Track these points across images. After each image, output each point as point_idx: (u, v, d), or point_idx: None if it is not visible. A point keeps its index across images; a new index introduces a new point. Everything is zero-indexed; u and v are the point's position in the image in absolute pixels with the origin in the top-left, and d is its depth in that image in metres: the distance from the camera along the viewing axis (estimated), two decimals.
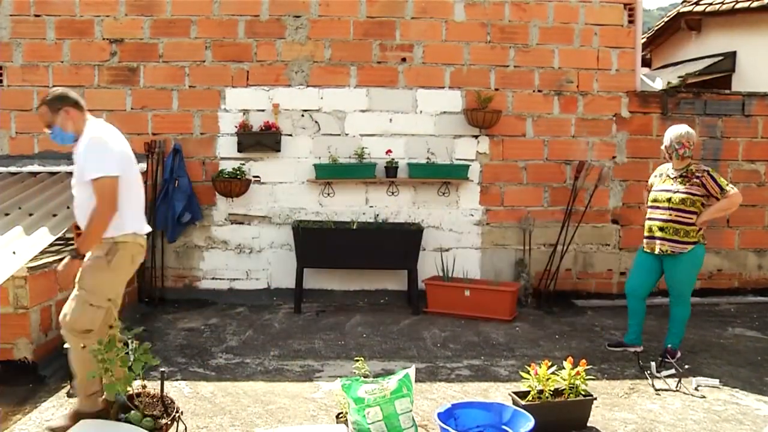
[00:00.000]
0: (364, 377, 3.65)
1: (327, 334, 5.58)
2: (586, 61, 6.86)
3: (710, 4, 9.14)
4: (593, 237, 6.97)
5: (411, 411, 3.38)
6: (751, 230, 7.13)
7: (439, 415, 3.33)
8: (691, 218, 4.80)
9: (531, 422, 3.26)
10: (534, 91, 6.85)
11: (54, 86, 6.56)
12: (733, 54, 9.01)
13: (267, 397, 4.14)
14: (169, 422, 3.22)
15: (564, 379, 3.73)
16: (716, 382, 4.45)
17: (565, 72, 6.86)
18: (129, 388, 3.26)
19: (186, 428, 3.31)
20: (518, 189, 6.90)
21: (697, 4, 9.36)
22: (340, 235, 6.35)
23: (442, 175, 6.72)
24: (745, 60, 8.91)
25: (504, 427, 3.39)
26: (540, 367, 3.71)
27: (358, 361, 3.85)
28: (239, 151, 6.62)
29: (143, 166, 6.49)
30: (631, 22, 6.89)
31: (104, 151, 3.40)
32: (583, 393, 3.76)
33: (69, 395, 4.08)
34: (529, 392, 3.68)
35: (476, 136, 6.81)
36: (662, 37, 10.74)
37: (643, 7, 7.01)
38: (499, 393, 4.26)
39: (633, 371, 4.71)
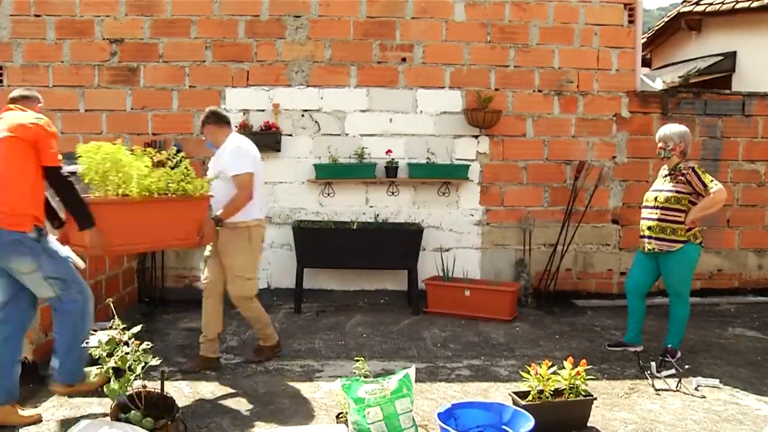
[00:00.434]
0: (365, 377, 3.65)
1: (327, 334, 5.58)
2: (586, 61, 6.87)
3: (710, 4, 9.15)
4: (593, 237, 6.97)
5: (411, 411, 3.38)
6: (752, 230, 7.13)
7: (440, 415, 3.33)
8: (679, 216, 4.78)
9: (531, 422, 3.26)
10: (534, 91, 6.86)
11: (54, 86, 6.60)
12: (734, 54, 9.02)
13: (267, 397, 4.14)
14: (169, 422, 3.22)
15: (564, 379, 3.73)
16: (716, 382, 4.45)
17: (565, 72, 6.86)
18: (129, 388, 3.27)
19: (186, 428, 3.31)
20: (518, 189, 6.90)
21: (697, 4, 9.37)
22: (340, 235, 6.35)
23: (442, 175, 6.72)
24: (746, 60, 8.91)
25: (504, 427, 3.39)
26: (540, 367, 3.71)
27: (358, 361, 3.84)
28: None
29: None
30: (631, 22, 6.89)
31: (244, 155, 4.52)
32: (583, 393, 3.76)
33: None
34: (529, 392, 3.68)
35: (476, 136, 6.82)
36: (662, 37, 10.74)
37: (643, 7, 7.01)
38: (499, 393, 4.26)
39: (633, 371, 4.71)
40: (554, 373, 3.73)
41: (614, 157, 6.94)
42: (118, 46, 6.62)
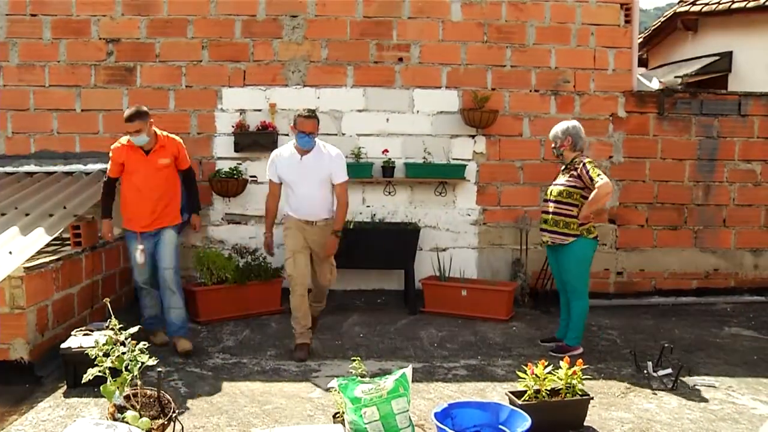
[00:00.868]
0: (361, 377, 3.65)
1: (324, 334, 5.57)
2: (582, 61, 6.87)
3: (707, 4, 9.17)
4: None
5: (408, 411, 3.38)
6: (748, 230, 7.14)
7: (436, 414, 3.33)
8: (572, 210, 4.88)
9: (528, 422, 3.27)
10: (531, 90, 6.86)
11: (50, 86, 6.58)
12: (730, 54, 9.04)
13: (264, 397, 4.14)
14: (165, 422, 3.22)
15: (560, 379, 3.73)
16: (713, 381, 4.47)
17: (561, 72, 6.87)
18: (126, 388, 3.26)
19: (183, 428, 3.30)
20: (515, 189, 6.90)
21: (693, 4, 9.39)
22: None
23: (439, 175, 6.72)
24: (742, 60, 8.94)
25: (501, 426, 3.39)
26: (536, 367, 3.71)
27: (354, 360, 3.84)
28: (236, 151, 6.61)
29: None
30: (627, 22, 6.90)
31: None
32: (579, 392, 3.76)
33: (65, 395, 4.08)
34: (525, 392, 3.68)
35: (473, 136, 6.82)
36: (659, 37, 10.76)
37: (639, 6, 7.02)
38: (496, 393, 4.27)
39: (629, 371, 4.71)
40: (550, 373, 3.73)
41: (611, 157, 6.95)
42: (114, 45, 6.61)
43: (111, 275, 5.86)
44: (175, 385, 4.33)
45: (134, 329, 3.37)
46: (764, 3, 8.36)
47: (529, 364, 3.80)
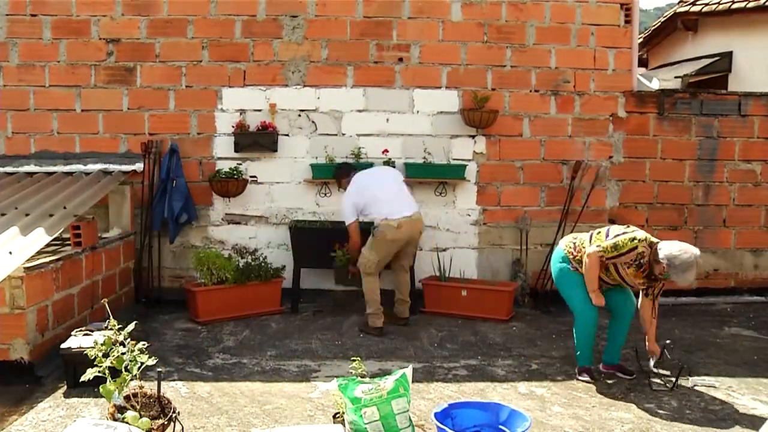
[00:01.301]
0: (361, 377, 3.65)
1: (324, 334, 5.57)
2: (582, 61, 6.87)
3: (707, 4, 9.16)
4: None
5: (408, 411, 3.38)
6: (748, 230, 7.14)
7: (436, 414, 3.33)
8: None
9: (528, 422, 3.26)
10: (531, 91, 6.86)
11: (50, 86, 6.58)
12: (730, 54, 9.04)
13: (264, 398, 4.14)
14: (165, 422, 3.22)
15: None
16: (713, 381, 4.46)
17: (561, 72, 6.86)
18: (125, 388, 3.26)
19: (183, 428, 3.30)
20: (515, 189, 6.90)
21: (693, 4, 9.38)
22: (337, 235, 6.34)
23: (439, 175, 6.72)
24: (742, 60, 8.94)
25: (501, 426, 3.39)
26: None
27: (354, 361, 3.84)
28: (236, 151, 6.61)
29: (140, 166, 6.49)
30: (627, 22, 6.90)
31: (345, 202, 5.85)
32: None
33: (65, 396, 4.07)
34: None
35: (473, 136, 6.82)
36: (659, 37, 10.76)
37: (639, 6, 7.02)
38: (496, 393, 4.27)
39: (630, 371, 4.71)
40: None
41: (611, 157, 6.95)
42: (114, 45, 6.61)
43: (111, 275, 5.86)
44: (176, 385, 4.33)
45: (131, 326, 3.37)
46: (764, 3, 8.36)
47: None
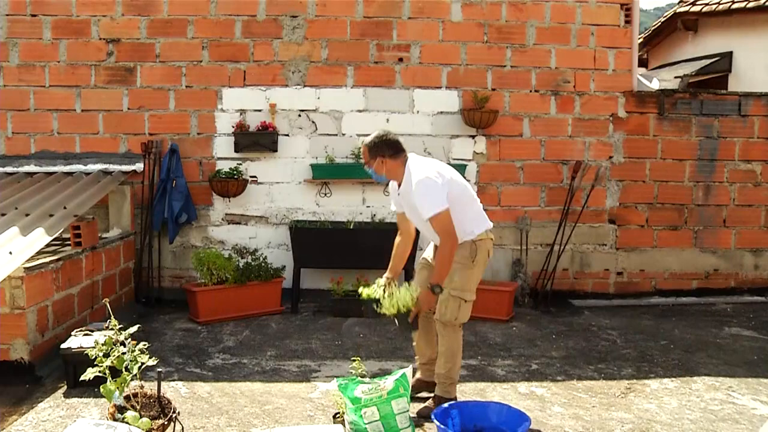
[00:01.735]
0: (361, 377, 3.65)
1: (324, 334, 5.57)
2: (582, 61, 6.87)
3: (707, 4, 9.16)
4: (590, 237, 6.98)
5: (408, 411, 3.38)
6: (748, 230, 7.14)
7: (436, 414, 3.33)
8: None
9: (528, 422, 3.27)
10: (531, 91, 6.86)
11: (50, 86, 6.58)
12: (730, 54, 9.03)
13: (264, 398, 4.14)
14: (166, 422, 3.22)
15: None
16: (713, 381, 4.46)
17: (561, 72, 6.87)
18: (125, 389, 3.26)
19: (183, 428, 3.30)
20: (515, 189, 6.90)
21: (693, 4, 9.38)
22: (337, 235, 6.35)
23: None
24: (742, 60, 8.93)
25: (501, 427, 3.39)
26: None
27: (355, 361, 3.84)
28: (236, 151, 6.61)
29: (140, 166, 6.49)
30: (627, 22, 6.90)
31: (432, 187, 3.74)
32: None
33: (66, 394, 4.07)
34: None
35: (473, 136, 6.82)
36: (659, 37, 10.75)
37: (639, 7, 7.02)
38: (496, 393, 4.27)
39: (630, 371, 4.71)
40: None
41: (611, 157, 6.95)
42: (114, 46, 6.61)
43: (111, 275, 5.86)
44: (176, 385, 4.32)
45: (133, 329, 3.37)
46: (764, 3, 8.35)
47: None
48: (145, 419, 3.14)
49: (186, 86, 6.66)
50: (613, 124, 6.94)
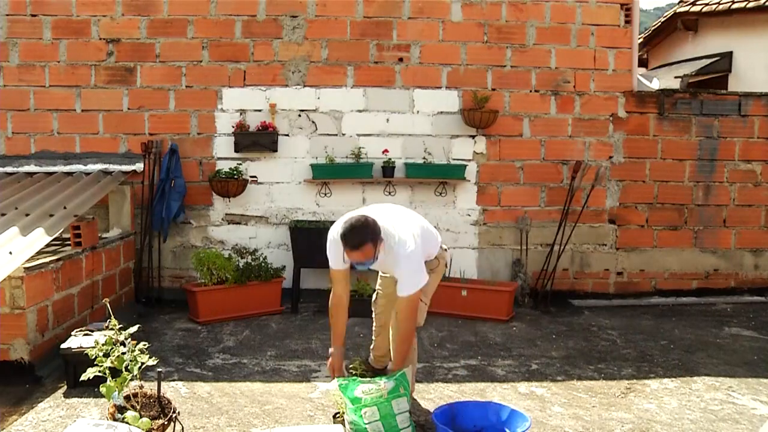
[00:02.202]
0: (361, 377, 3.65)
1: (324, 334, 5.56)
2: (582, 62, 6.87)
3: (707, 4, 9.16)
4: (590, 237, 6.98)
5: (408, 411, 3.38)
6: (748, 230, 7.14)
7: (436, 414, 3.33)
8: None
9: (528, 422, 3.27)
10: (531, 91, 6.86)
11: (50, 86, 6.58)
12: (730, 54, 9.04)
13: (264, 398, 4.14)
14: (166, 422, 3.22)
15: None
16: (713, 381, 4.46)
17: (562, 72, 6.87)
18: (125, 389, 3.26)
19: (183, 428, 3.30)
20: (515, 189, 6.90)
21: (693, 4, 9.38)
22: None
23: (439, 175, 6.72)
24: (742, 60, 8.93)
25: (501, 426, 3.39)
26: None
27: (355, 361, 3.84)
28: (236, 151, 6.61)
29: (140, 166, 6.49)
30: (627, 22, 6.90)
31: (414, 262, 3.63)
32: None
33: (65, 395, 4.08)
34: None
35: (473, 136, 6.82)
36: (659, 37, 10.76)
37: (639, 6, 7.02)
38: (496, 393, 4.27)
39: (630, 371, 4.71)
40: None
41: (611, 157, 6.95)
42: (114, 46, 6.61)
43: (111, 275, 5.86)
44: (176, 385, 4.32)
45: (133, 329, 3.37)
46: (764, 3, 8.36)
47: None
48: (145, 419, 3.14)
49: (186, 86, 6.66)
50: (613, 124, 6.94)
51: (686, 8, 9.47)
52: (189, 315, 6.04)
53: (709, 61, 9.05)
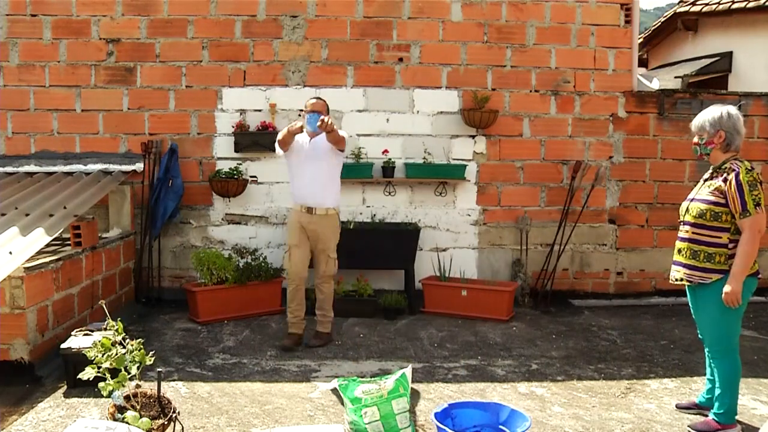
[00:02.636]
0: (361, 377, 3.66)
1: None
2: (582, 61, 6.87)
3: (707, 4, 9.16)
4: (590, 237, 6.98)
5: (408, 411, 3.39)
6: None
7: (436, 414, 3.33)
8: (719, 237, 3.58)
9: (528, 422, 3.27)
10: (531, 91, 6.86)
11: (50, 86, 6.59)
12: (730, 54, 9.04)
13: (264, 398, 4.14)
14: (166, 422, 3.22)
15: None
16: None
17: (562, 72, 6.87)
18: (125, 388, 3.26)
19: (183, 428, 3.30)
20: (515, 189, 6.91)
21: (693, 4, 9.38)
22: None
23: (439, 175, 6.72)
24: (742, 60, 8.93)
25: (501, 426, 3.39)
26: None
27: (356, 360, 3.84)
28: (236, 151, 6.61)
29: (140, 166, 6.49)
30: (627, 22, 6.90)
31: None
32: None
33: (65, 394, 4.07)
34: None
35: (473, 136, 6.82)
36: (659, 37, 10.76)
37: (639, 6, 7.02)
38: (496, 393, 4.27)
39: (630, 371, 4.71)
40: None
41: (611, 157, 6.95)
42: (114, 45, 6.61)
43: (111, 275, 5.86)
44: (176, 385, 4.32)
45: (135, 329, 3.37)
46: (764, 3, 8.36)
47: None
48: (145, 419, 3.14)
49: (186, 86, 6.66)
50: (613, 124, 6.94)
51: (686, 8, 9.47)
52: (189, 315, 6.04)
53: (709, 61, 9.05)
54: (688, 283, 3.73)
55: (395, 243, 6.31)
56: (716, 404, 3.65)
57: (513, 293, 6.28)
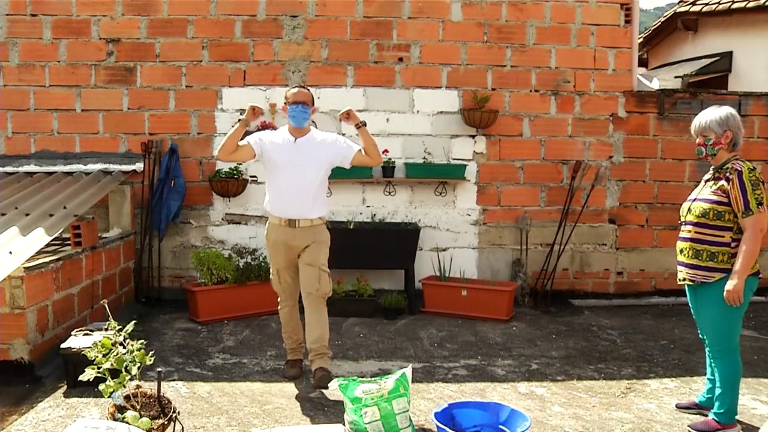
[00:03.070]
0: (360, 377, 3.65)
1: None
2: (582, 61, 6.87)
3: (707, 4, 9.16)
4: (590, 237, 6.98)
5: (408, 411, 3.38)
6: None
7: (437, 414, 3.33)
8: (722, 236, 3.63)
9: (528, 422, 3.26)
10: (531, 91, 6.86)
11: (50, 86, 6.59)
12: (730, 54, 9.03)
13: (264, 397, 4.14)
14: (165, 422, 3.22)
15: None
16: None
17: (562, 72, 6.87)
18: (125, 388, 3.26)
19: (183, 428, 3.30)
20: (515, 189, 6.90)
21: (693, 4, 9.38)
22: (336, 235, 6.27)
23: (439, 175, 6.72)
24: (742, 60, 8.93)
25: (501, 426, 3.39)
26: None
27: (355, 361, 3.84)
28: None
29: (140, 166, 6.49)
30: (627, 22, 6.90)
31: None
32: None
33: (66, 394, 4.07)
34: None
35: (473, 136, 6.82)
36: (659, 37, 10.75)
37: (639, 6, 7.02)
38: (496, 393, 4.27)
39: (630, 371, 4.71)
40: None
41: (611, 157, 6.95)
42: (114, 45, 6.61)
43: (111, 275, 5.86)
44: (176, 385, 4.32)
45: (130, 326, 3.37)
46: (764, 3, 8.36)
47: None
48: (145, 419, 3.14)
49: (186, 86, 6.66)
50: (613, 124, 6.94)
51: (686, 8, 9.47)
52: (189, 315, 6.04)
53: (709, 61, 9.05)
54: (691, 283, 3.79)
55: (395, 243, 6.31)
56: (716, 404, 3.67)
57: (513, 293, 6.28)
